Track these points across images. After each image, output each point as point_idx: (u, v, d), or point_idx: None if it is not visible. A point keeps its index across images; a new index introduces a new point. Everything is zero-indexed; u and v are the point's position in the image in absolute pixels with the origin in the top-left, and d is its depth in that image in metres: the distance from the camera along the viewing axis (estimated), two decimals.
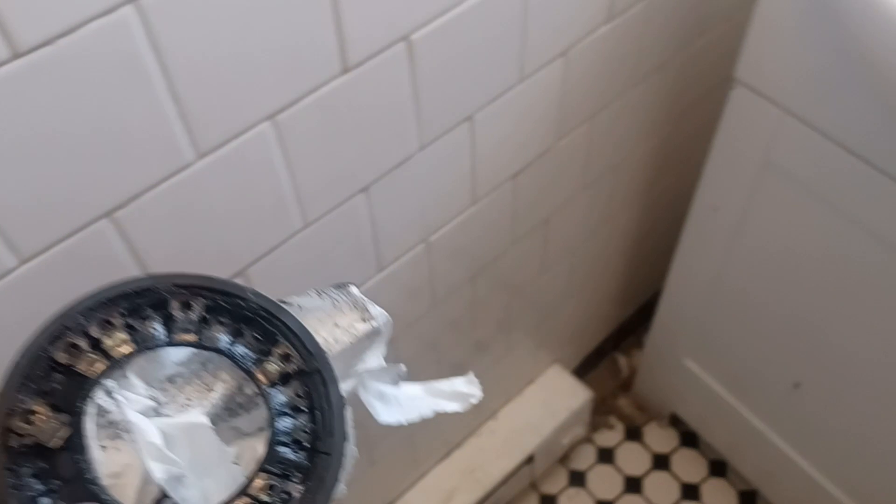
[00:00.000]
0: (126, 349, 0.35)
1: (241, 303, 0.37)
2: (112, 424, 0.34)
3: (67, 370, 0.34)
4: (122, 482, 0.34)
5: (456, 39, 0.59)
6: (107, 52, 0.41)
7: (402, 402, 0.47)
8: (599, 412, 1.38)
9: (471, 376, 0.49)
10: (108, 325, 0.35)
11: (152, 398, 0.36)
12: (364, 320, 0.42)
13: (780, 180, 0.83)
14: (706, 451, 1.33)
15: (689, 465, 1.32)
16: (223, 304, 0.37)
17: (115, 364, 0.35)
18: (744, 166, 0.86)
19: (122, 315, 0.36)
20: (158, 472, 0.34)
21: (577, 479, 1.32)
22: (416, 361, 0.91)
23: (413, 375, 0.48)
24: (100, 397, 0.34)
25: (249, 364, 0.36)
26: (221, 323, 0.37)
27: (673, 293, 1.12)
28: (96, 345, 0.35)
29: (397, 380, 0.46)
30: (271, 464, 0.35)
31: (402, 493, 1.15)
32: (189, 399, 0.37)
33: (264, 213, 0.57)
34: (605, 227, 1.07)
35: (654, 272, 1.24)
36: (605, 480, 1.32)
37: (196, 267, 0.54)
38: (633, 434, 1.36)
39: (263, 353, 0.37)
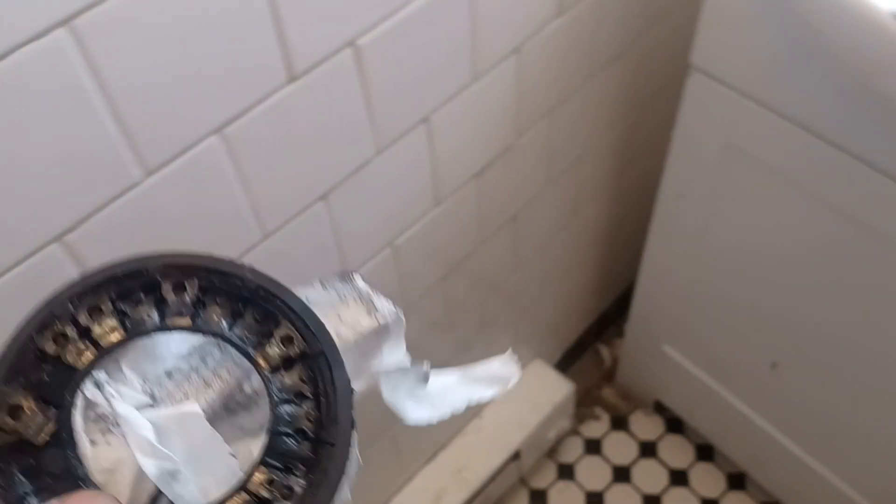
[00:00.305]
0: (116, 336, 0.33)
1: (239, 282, 0.34)
2: (102, 418, 0.32)
3: (55, 361, 0.32)
4: (115, 478, 0.32)
5: (404, 42, 0.59)
6: (42, 76, 0.41)
7: (432, 397, 0.43)
8: (584, 403, 1.39)
9: (509, 353, 0.45)
10: (97, 312, 0.33)
11: (148, 394, 0.34)
12: (369, 314, 0.38)
13: (742, 163, 0.84)
14: (692, 436, 1.33)
15: (676, 452, 1.33)
16: (219, 284, 0.34)
17: (105, 353, 0.32)
18: (706, 152, 0.86)
19: (112, 300, 0.33)
20: (151, 467, 0.32)
21: (566, 472, 1.32)
22: None
23: None
24: (89, 389, 0.32)
25: (249, 348, 0.34)
26: (218, 304, 0.34)
27: (647, 282, 1.13)
28: (85, 333, 0.33)
29: (423, 380, 0.42)
30: (272, 456, 0.32)
31: (390, 497, 1.15)
32: (186, 395, 0.34)
33: (221, 225, 0.57)
34: (575, 219, 1.07)
35: (631, 261, 1.25)
36: (593, 472, 1.32)
37: None
38: (619, 423, 1.37)
39: (264, 336, 0.34)
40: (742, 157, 0.83)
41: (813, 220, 0.80)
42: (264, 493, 0.31)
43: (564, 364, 1.38)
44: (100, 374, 0.33)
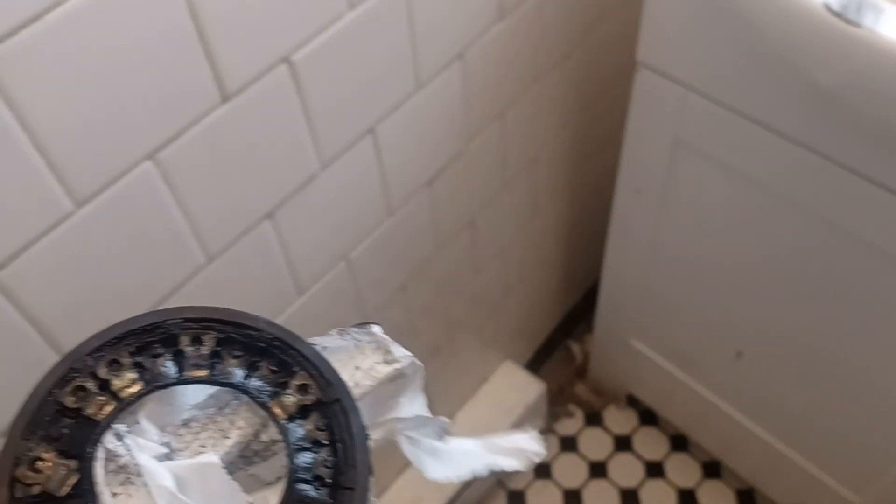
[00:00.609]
0: (135, 388, 0.34)
1: (254, 333, 0.36)
2: (122, 469, 0.33)
3: (76, 414, 0.33)
4: None
5: (341, 55, 0.59)
6: None
7: (453, 457, 0.44)
8: (558, 401, 1.39)
9: (533, 433, 0.47)
10: (116, 365, 0.34)
11: (165, 444, 0.35)
12: (387, 362, 0.40)
13: (693, 156, 0.84)
14: (666, 427, 1.34)
15: (650, 444, 1.33)
16: (235, 336, 0.36)
17: (125, 405, 0.33)
18: (657, 147, 0.87)
19: (131, 354, 0.34)
20: None
21: (543, 471, 1.32)
22: None
23: None
24: (109, 441, 0.33)
25: (265, 398, 0.35)
26: (235, 356, 0.35)
27: (610, 277, 1.13)
28: (105, 386, 0.34)
29: (442, 433, 0.44)
30: (291, 503, 0.33)
31: None
32: (203, 446, 0.35)
33: (162, 251, 0.56)
34: (535, 220, 1.07)
35: (596, 257, 1.25)
36: (570, 469, 1.32)
37: (94, 316, 0.53)
38: (593, 419, 1.37)
39: (280, 386, 0.35)
40: (692, 151, 0.84)
41: (763, 211, 0.81)
42: None
43: (536, 363, 1.38)
44: (120, 426, 0.34)
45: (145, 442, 0.34)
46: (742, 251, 0.88)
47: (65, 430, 0.32)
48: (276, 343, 0.36)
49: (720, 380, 1.10)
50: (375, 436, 0.41)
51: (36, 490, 0.31)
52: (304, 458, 0.34)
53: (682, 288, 1.02)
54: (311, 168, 0.63)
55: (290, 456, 0.34)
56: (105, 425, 0.33)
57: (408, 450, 0.43)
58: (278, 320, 0.71)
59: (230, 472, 0.35)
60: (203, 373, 0.35)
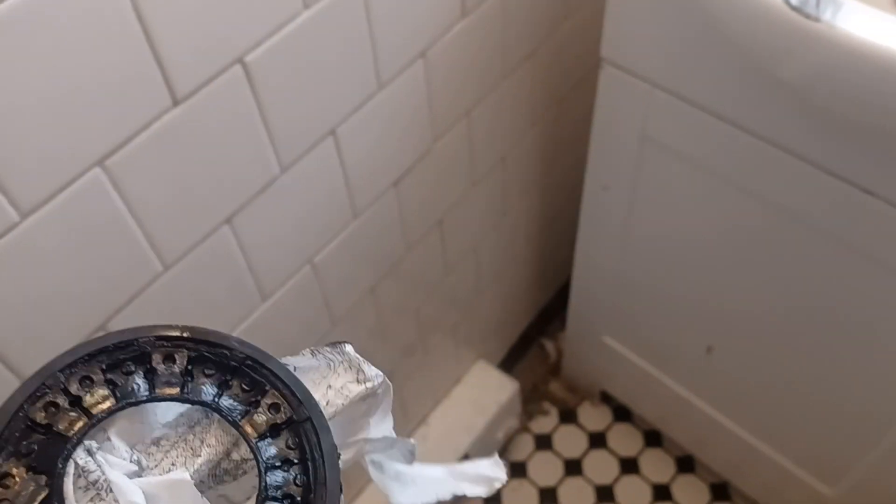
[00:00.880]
0: (107, 405, 0.34)
1: (227, 352, 0.36)
2: (93, 485, 0.33)
3: (46, 430, 0.33)
4: None
5: (297, 56, 0.57)
6: None
7: (418, 482, 0.45)
8: (533, 399, 1.38)
9: (496, 458, 0.48)
10: (88, 382, 0.34)
11: (136, 462, 0.35)
12: (359, 381, 0.40)
13: (660, 153, 0.84)
14: (639, 423, 1.34)
15: (624, 440, 1.34)
16: (208, 354, 0.36)
17: (96, 421, 0.33)
18: (624, 143, 0.86)
19: (103, 371, 0.35)
20: None
21: (518, 469, 1.32)
22: None
23: None
24: (80, 456, 0.33)
25: (236, 416, 0.35)
26: (207, 375, 0.36)
27: (581, 274, 1.13)
28: (76, 402, 0.34)
29: (410, 457, 0.45)
30: None
31: None
32: (174, 464, 0.35)
33: (115, 262, 0.54)
34: (506, 218, 1.06)
35: (568, 253, 1.24)
36: (545, 467, 1.32)
37: (49, 328, 0.51)
38: (568, 416, 1.37)
39: (252, 405, 0.36)
40: (659, 147, 0.83)
41: (730, 204, 0.81)
42: None
43: (510, 361, 1.37)
44: (90, 443, 0.33)
45: (116, 460, 0.34)
46: (710, 245, 0.88)
47: (34, 446, 0.32)
48: (248, 362, 0.36)
49: (692, 375, 1.11)
50: (345, 456, 0.41)
51: None
52: (275, 476, 0.34)
53: (652, 284, 1.02)
54: (271, 172, 0.62)
55: (262, 474, 0.34)
56: (76, 441, 0.33)
57: (375, 475, 0.44)
58: (243, 325, 0.70)
59: (201, 492, 0.35)
60: (175, 391, 0.35)
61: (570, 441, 1.34)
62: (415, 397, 1.14)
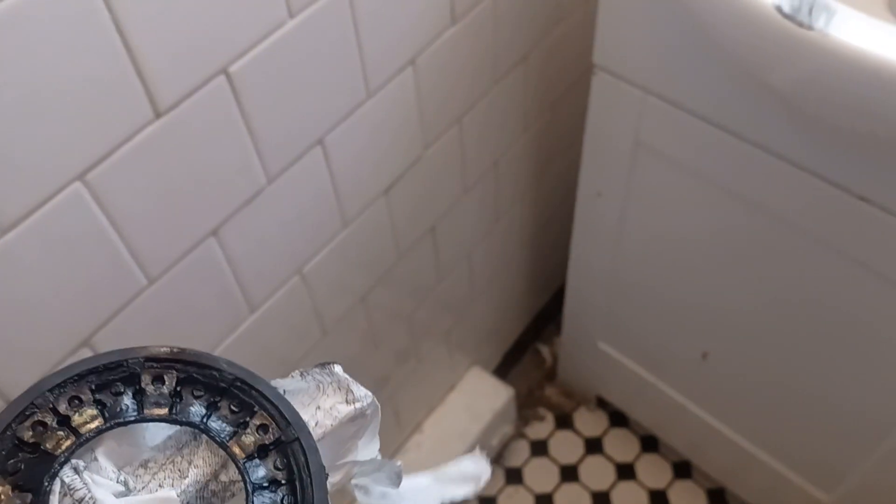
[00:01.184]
0: (95, 424, 0.34)
1: (216, 374, 0.36)
2: (78, 503, 0.33)
3: (33, 448, 0.33)
4: None
5: (282, 65, 0.56)
6: None
7: (406, 497, 0.45)
8: (528, 405, 1.38)
9: (475, 452, 0.48)
10: (77, 401, 0.34)
11: (122, 483, 0.35)
12: (348, 402, 0.40)
13: (653, 159, 0.83)
14: (636, 428, 1.33)
15: (621, 445, 1.33)
16: (197, 376, 0.36)
17: (84, 440, 0.34)
18: (617, 150, 0.86)
19: (92, 391, 0.35)
20: None
21: (514, 476, 1.31)
22: None
23: None
24: (67, 475, 0.33)
25: (225, 437, 0.35)
26: (196, 396, 0.36)
27: (575, 280, 1.12)
28: (65, 421, 0.34)
29: (396, 480, 0.45)
30: None
31: None
32: (161, 485, 0.35)
33: (99, 276, 0.53)
34: (499, 224, 1.05)
35: (562, 258, 1.24)
36: (541, 473, 1.31)
37: (32, 343, 0.51)
38: (564, 422, 1.36)
39: (240, 426, 0.36)
40: (652, 153, 0.83)
41: (724, 210, 0.80)
42: None
43: (505, 367, 1.36)
44: (78, 462, 0.34)
45: (103, 480, 0.34)
46: (704, 251, 0.88)
47: (21, 465, 0.32)
48: (237, 383, 0.36)
49: (687, 380, 1.10)
50: (333, 479, 0.41)
51: None
52: (263, 498, 0.34)
53: (647, 289, 1.01)
54: (258, 182, 0.61)
55: (249, 495, 0.34)
56: (63, 460, 0.33)
57: (361, 499, 0.44)
58: (231, 337, 0.69)
59: None
60: (163, 411, 0.35)
61: (567, 447, 1.34)
62: (408, 405, 1.13)
